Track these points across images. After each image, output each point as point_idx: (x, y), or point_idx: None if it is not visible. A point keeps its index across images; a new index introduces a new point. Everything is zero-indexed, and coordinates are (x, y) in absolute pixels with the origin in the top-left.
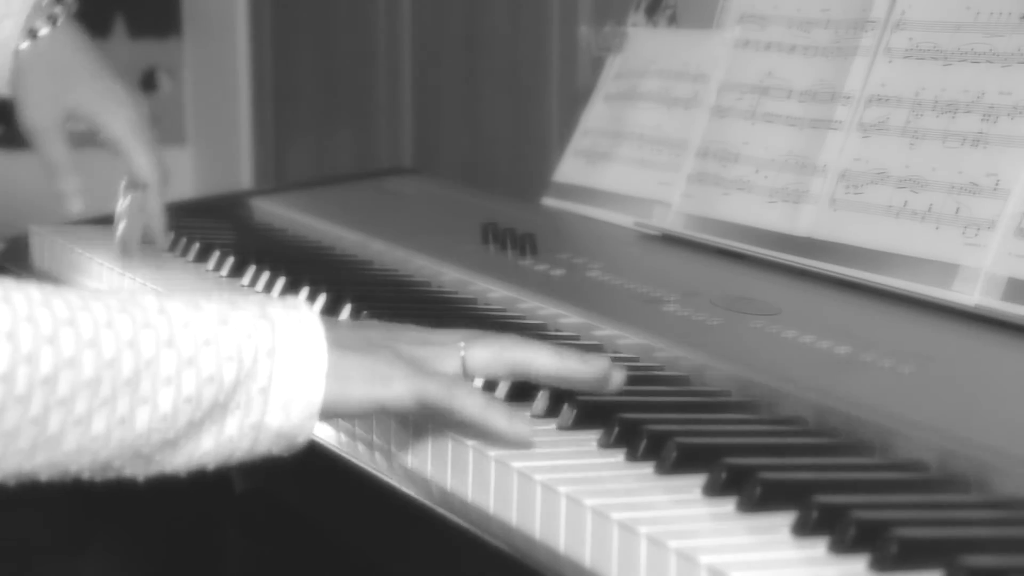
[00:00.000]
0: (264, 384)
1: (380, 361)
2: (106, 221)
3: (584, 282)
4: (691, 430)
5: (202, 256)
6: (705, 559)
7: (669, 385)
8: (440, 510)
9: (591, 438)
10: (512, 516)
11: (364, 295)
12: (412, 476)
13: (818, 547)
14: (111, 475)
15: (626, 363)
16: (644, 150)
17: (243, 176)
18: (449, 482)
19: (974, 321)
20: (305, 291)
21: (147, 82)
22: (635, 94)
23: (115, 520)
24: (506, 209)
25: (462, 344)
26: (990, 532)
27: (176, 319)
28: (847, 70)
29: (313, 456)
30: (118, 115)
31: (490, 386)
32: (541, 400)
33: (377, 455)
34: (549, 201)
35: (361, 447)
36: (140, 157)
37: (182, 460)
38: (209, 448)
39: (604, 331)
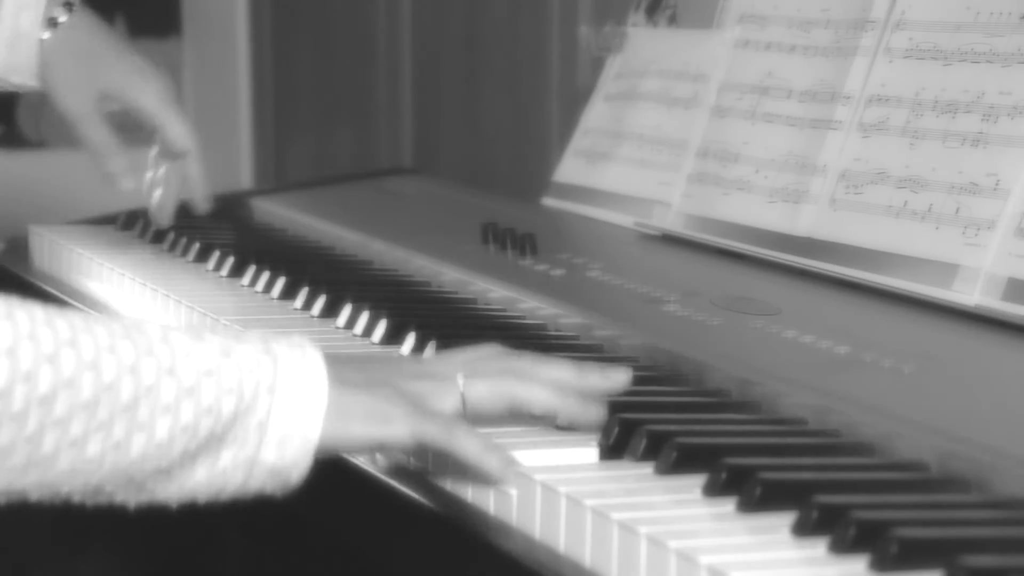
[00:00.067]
0: (262, 419)
1: (380, 399)
2: (106, 221)
3: (584, 282)
4: (691, 430)
5: (202, 256)
6: (705, 559)
7: (669, 385)
8: (442, 511)
9: (591, 438)
10: (512, 516)
11: (364, 295)
12: (412, 476)
13: (818, 547)
14: (102, 499)
15: (626, 363)
16: (644, 150)
17: (243, 176)
18: (449, 483)
19: (974, 321)
20: (305, 291)
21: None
22: (635, 94)
23: (115, 520)
24: (506, 209)
25: (461, 380)
26: (990, 532)
27: (179, 348)
28: (847, 70)
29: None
30: (148, 88)
31: None
32: None
33: (378, 455)
34: (549, 201)
35: None
36: (176, 126)
37: (174, 490)
38: (202, 479)
39: (604, 331)
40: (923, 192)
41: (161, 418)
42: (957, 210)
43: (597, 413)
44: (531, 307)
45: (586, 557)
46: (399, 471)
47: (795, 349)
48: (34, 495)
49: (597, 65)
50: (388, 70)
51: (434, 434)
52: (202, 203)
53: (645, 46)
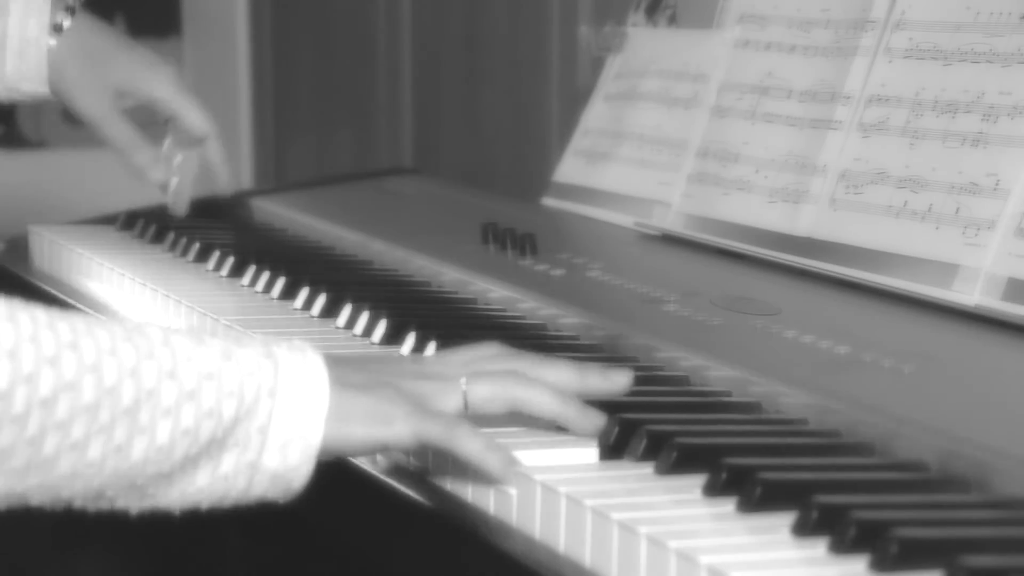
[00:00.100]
0: (263, 423)
1: (382, 400)
2: (106, 221)
3: (584, 282)
4: (691, 430)
5: (202, 256)
6: (705, 559)
7: (669, 385)
8: (442, 511)
9: (591, 438)
10: (512, 516)
11: (364, 295)
12: (412, 476)
13: (818, 547)
14: (104, 505)
15: (626, 363)
16: (644, 150)
17: (243, 176)
18: (449, 483)
19: (974, 321)
20: (305, 291)
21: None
22: (635, 94)
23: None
24: (506, 209)
25: (463, 380)
26: (990, 532)
27: (180, 352)
28: (847, 70)
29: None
30: (160, 78)
31: None
32: None
33: (378, 455)
34: (549, 201)
35: None
36: (193, 111)
37: (176, 495)
38: (204, 485)
39: (604, 331)
40: (923, 192)
41: (162, 421)
42: (957, 210)
43: (595, 422)
44: (531, 307)
45: (586, 557)
46: (399, 471)
47: (795, 349)
48: (35, 499)
49: (597, 65)
50: (388, 70)
51: (436, 434)
52: (226, 185)
53: (645, 46)
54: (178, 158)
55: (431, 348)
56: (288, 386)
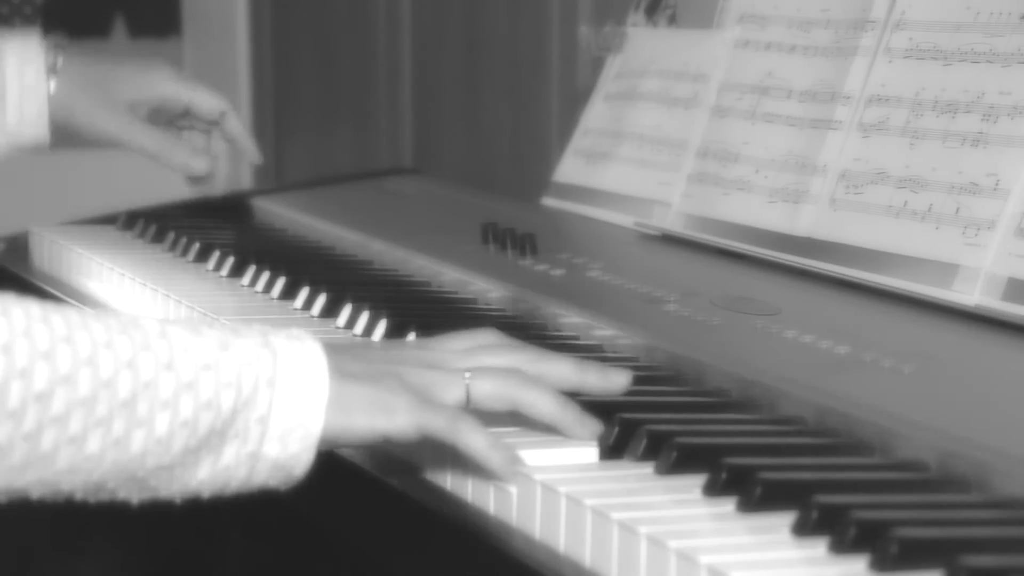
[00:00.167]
0: (263, 413)
1: (384, 390)
2: (106, 221)
3: (584, 282)
4: (691, 430)
5: (202, 256)
6: (705, 559)
7: (669, 385)
8: (442, 511)
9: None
10: (512, 516)
11: (364, 295)
12: (412, 475)
13: (818, 547)
14: (104, 497)
15: (626, 363)
16: (644, 150)
17: (243, 176)
18: (449, 482)
19: (974, 321)
20: (305, 291)
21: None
22: (635, 94)
23: (115, 519)
24: (506, 209)
25: (468, 374)
26: (990, 532)
27: (177, 343)
28: (847, 70)
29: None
30: (161, 77)
31: None
32: None
33: (378, 453)
34: (549, 201)
35: None
36: (202, 94)
37: (178, 487)
38: (205, 476)
39: (604, 331)
40: (923, 192)
41: (160, 413)
42: (957, 210)
43: (592, 429)
44: (531, 307)
45: (586, 557)
46: (399, 470)
47: (795, 349)
48: (35, 493)
49: (597, 65)
50: (388, 70)
51: (439, 426)
52: (254, 154)
53: (645, 46)
54: (206, 142)
55: None
56: (287, 375)
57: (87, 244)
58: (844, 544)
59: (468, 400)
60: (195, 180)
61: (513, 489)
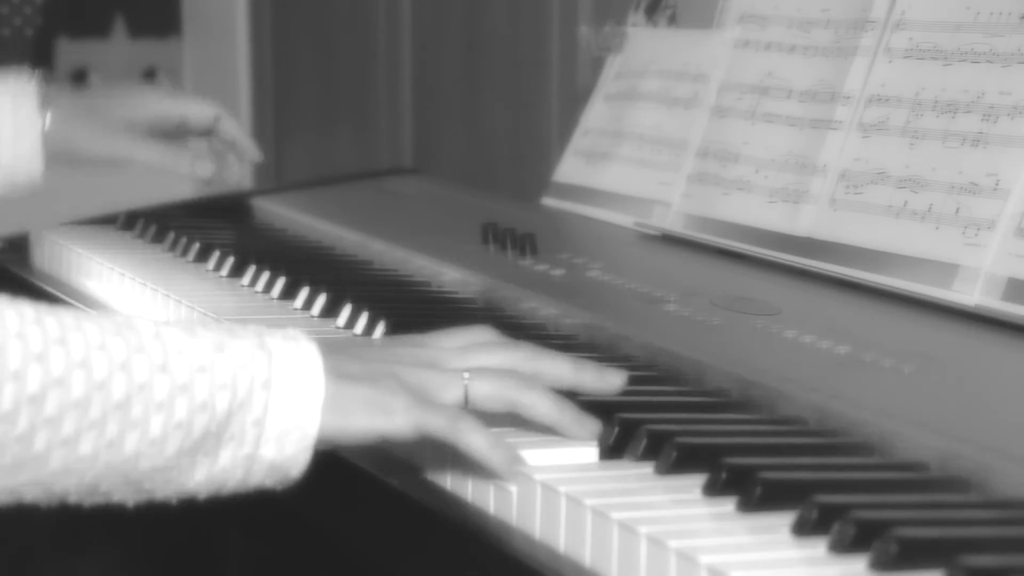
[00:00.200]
0: (259, 415)
1: (381, 390)
2: (106, 221)
3: (584, 282)
4: (691, 430)
5: (202, 256)
6: (705, 559)
7: (669, 385)
8: (442, 511)
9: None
10: (512, 516)
11: (364, 295)
12: (412, 475)
13: (818, 547)
14: (99, 499)
15: (626, 363)
16: (644, 150)
17: (243, 176)
18: (449, 482)
19: (974, 321)
20: (305, 291)
21: (147, 82)
22: (635, 94)
23: (115, 519)
24: (506, 209)
25: (466, 375)
26: (990, 532)
27: (171, 345)
28: (847, 70)
29: (314, 455)
30: (151, 97)
31: None
32: None
33: (378, 453)
34: (549, 201)
35: None
36: (194, 103)
37: (173, 489)
38: (201, 479)
39: (604, 331)
40: (923, 192)
41: (154, 415)
42: (957, 210)
43: (591, 429)
44: (531, 307)
45: (586, 557)
46: (399, 470)
47: (795, 349)
48: (28, 495)
49: (597, 65)
50: (388, 70)
51: (438, 426)
52: (253, 152)
53: (645, 46)
54: (207, 145)
55: None
56: (283, 377)
57: (87, 244)
58: (844, 544)
59: (466, 401)
60: (203, 183)
61: (514, 488)
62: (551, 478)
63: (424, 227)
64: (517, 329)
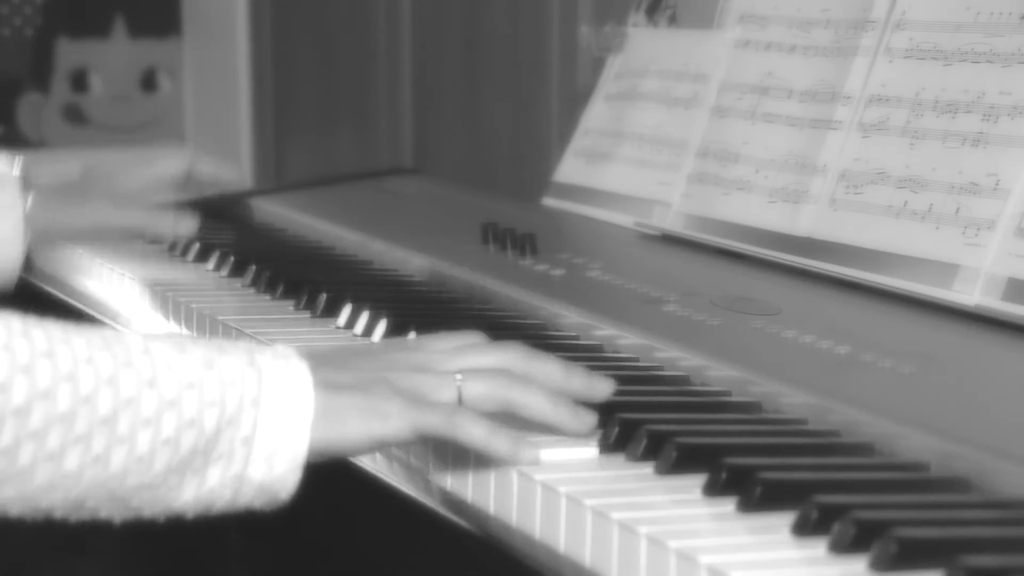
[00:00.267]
0: (248, 434)
1: (375, 397)
2: None
3: (584, 282)
4: (691, 430)
5: (202, 256)
6: (705, 559)
7: (669, 385)
8: (442, 511)
9: (591, 438)
10: (512, 516)
11: (364, 295)
12: (411, 476)
13: (818, 547)
14: (85, 515)
15: (626, 363)
16: (644, 150)
17: (243, 176)
18: (449, 482)
19: (974, 321)
20: (305, 291)
21: (147, 82)
22: (635, 94)
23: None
24: (506, 209)
25: (459, 376)
26: (990, 532)
27: (160, 360)
28: (847, 70)
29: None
30: (123, 158)
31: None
32: None
33: (377, 455)
34: (549, 201)
35: None
36: (162, 159)
37: (161, 507)
38: (190, 499)
39: (604, 331)
40: (923, 192)
41: (142, 431)
42: (957, 210)
43: (587, 422)
44: (531, 307)
45: (586, 557)
46: (398, 470)
47: (795, 349)
48: (13, 510)
49: (597, 65)
50: (388, 70)
51: (436, 424)
52: (235, 179)
53: (645, 46)
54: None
55: None
56: (272, 395)
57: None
58: (844, 544)
59: (460, 402)
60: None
61: (515, 477)
62: (551, 478)
63: (424, 227)
64: (517, 329)
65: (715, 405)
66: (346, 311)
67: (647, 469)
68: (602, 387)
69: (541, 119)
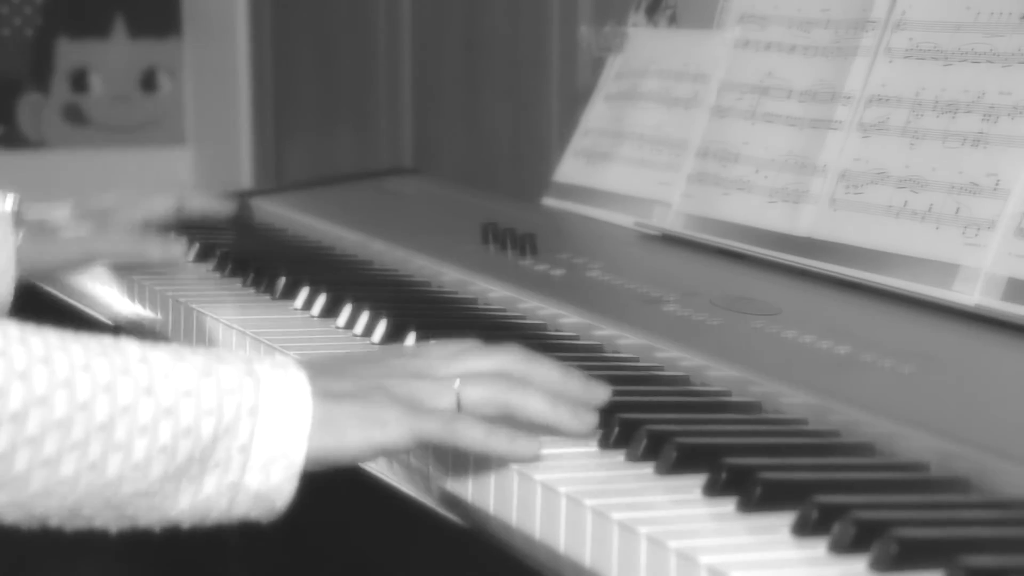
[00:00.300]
0: (245, 443)
1: (373, 404)
2: None
3: (584, 282)
4: (691, 430)
5: (203, 256)
6: (705, 559)
7: (669, 385)
8: (442, 511)
9: (591, 438)
10: (512, 516)
11: (364, 295)
12: (411, 476)
13: (818, 547)
14: (81, 523)
15: (626, 363)
16: (644, 150)
17: (243, 176)
18: (449, 482)
19: (974, 321)
20: (305, 291)
21: (147, 82)
22: (635, 94)
23: None
24: (506, 209)
25: (457, 383)
26: (990, 532)
27: (157, 368)
28: (847, 70)
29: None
30: (105, 199)
31: None
32: None
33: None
34: (549, 201)
35: None
36: (150, 202)
37: (157, 516)
38: (185, 507)
39: (604, 331)
40: (923, 192)
41: (138, 439)
42: (957, 210)
43: (588, 422)
44: (531, 307)
45: (586, 557)
46: (398, 470)
47: (795, 349)
48: (8, 517)
49: (597, 65)
50: (388, 70)
51: (434, 430)
52: (224, 209)
53: (645, 46)
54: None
55: None
56: (270, 404)
57: None
58: (844, 544)
59: (459, 407)
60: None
61: (524, 471)
62: (551, 478)
63: (424, 227)
64: (517, 329)
65: (715, 405)
66: (346, 311)
67: (647, 469)
68: (599, 392)
69: (541, 119)
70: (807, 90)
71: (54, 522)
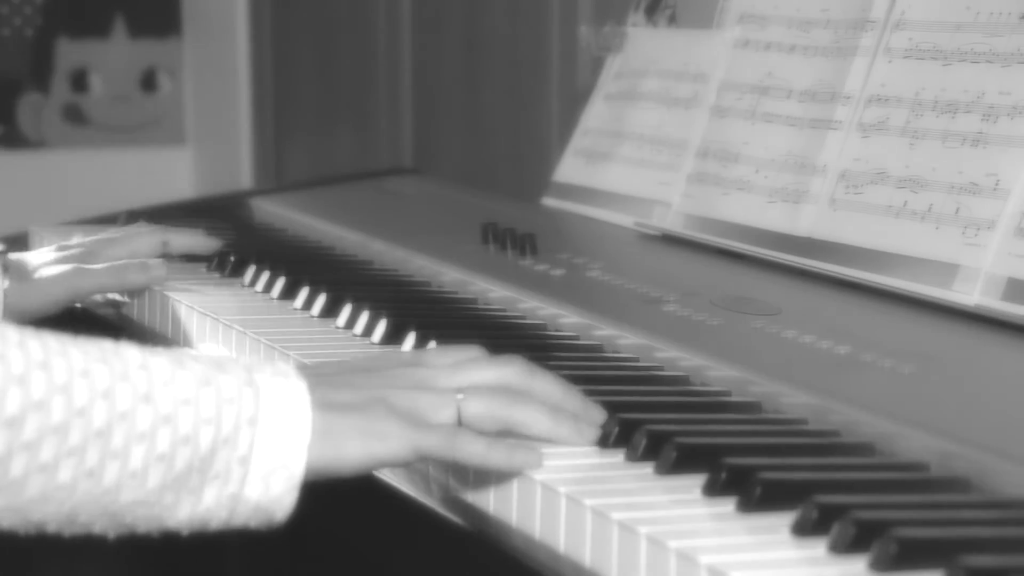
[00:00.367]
0: (244, 454)
1: (373, 417)
2: (106, 221)
3: (584, 282)
4: (691, 430)
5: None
6: (705, 559)
7: (669, 385)
8: (442, 511)
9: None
10: (512, 515)
11: (364, 295)
12: (411, 476)
13: (818, 547)
14: (78, 530)
15: (626, 363)
16: (644, 150)
17: (243, 176)
18: (449, 482)
19: (974, 321)
20: (305, 291)
21: (147, 82)
22: (635, 94)
23: None
24: (506, 209)
25: (459, 396)
26: (990, 532)
27: (157, 375)
28: (847, 70)
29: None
30: (89, 240)
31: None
32: None
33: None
34: (549, 201)
35: None
36: (135, 241)
37: (155, 525)
38: (184, 518)
39: (604, 331)
40: (923, 192)
41: (136, 446)
42: (957, 210)
43: (590, 439)
44: (531, 307)
45: (586, 557)
46: (398, 472)
47: (795, 349)
48: (5, 522)
49: (597, 65)
50: (388, 70)
51: (435, 445)
52: (210, 246)
53: (645, 46)
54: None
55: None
56: (269, 414)
57: None
58: (844, 544)
59: (459, 421)
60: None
61: (515, 482)
62: (551, 478)
63: (424, 227)
64: (517, 329)
65: (715, 405)
66: (346, 311)
67: (647, 469)
68: (595, 414)
69: (541, 119)
70: (807, 90)
71: (52, 528)
